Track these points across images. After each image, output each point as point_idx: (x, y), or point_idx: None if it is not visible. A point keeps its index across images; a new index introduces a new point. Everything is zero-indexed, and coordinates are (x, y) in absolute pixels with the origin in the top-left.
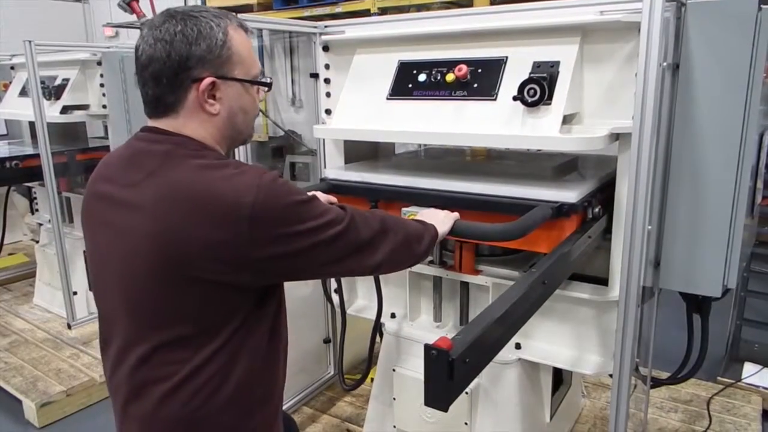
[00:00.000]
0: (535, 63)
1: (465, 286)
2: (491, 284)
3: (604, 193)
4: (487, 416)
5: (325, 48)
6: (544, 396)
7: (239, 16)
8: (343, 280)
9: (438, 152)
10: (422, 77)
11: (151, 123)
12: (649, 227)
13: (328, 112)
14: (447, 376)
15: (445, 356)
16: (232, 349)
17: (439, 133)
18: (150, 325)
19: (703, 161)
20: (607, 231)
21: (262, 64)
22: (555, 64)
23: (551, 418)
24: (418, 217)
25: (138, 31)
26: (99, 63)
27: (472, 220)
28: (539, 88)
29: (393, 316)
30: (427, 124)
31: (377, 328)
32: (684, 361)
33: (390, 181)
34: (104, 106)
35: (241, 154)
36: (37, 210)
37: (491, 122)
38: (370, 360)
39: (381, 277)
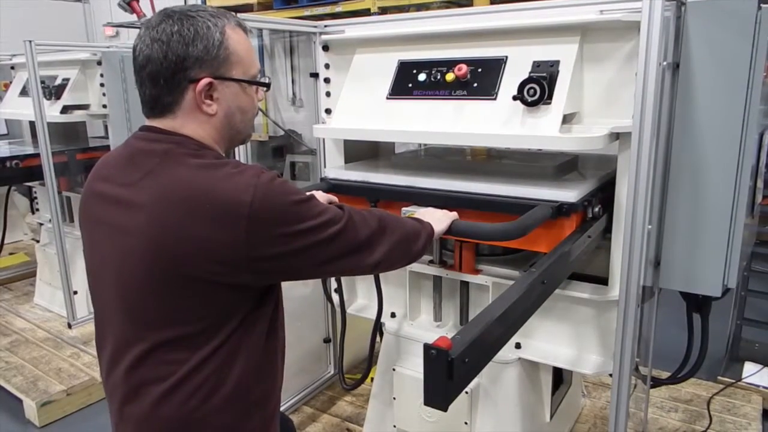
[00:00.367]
0: (534, 62)
1: (465, 285)
2: (491, 284)
3: (604, 193)
4: (487, 416)
5: (325, 47)
6: (544, 395)
7: (239, 15)
8: (343, 279)
9: (438, 152)
10: (422, 77)
11: (149, 123)
12: (649, 227)
13: (328, 111)
14: (446, 375)
15: (444, 356)
16: (230, 350)
17: (439, 133)
18: (146, 325)
19: (703, 160)
20: (607, 230)
21: (262, 64)
22: (555, 64)
23: (551, 418)
24: (415, 216)
25: (138, 30)
26: (99, 63)
27: (472, 219)
28: (539, 87)
29: (393, 315)
30: (427, 124)
31: (377, 327)
32: (684, 361)
33: (390, 181)
34: (104, 106)
35: (242, 153)
36: (37, 209)
37: (491, 122)
38: (371, 359)
39: (381, 276)
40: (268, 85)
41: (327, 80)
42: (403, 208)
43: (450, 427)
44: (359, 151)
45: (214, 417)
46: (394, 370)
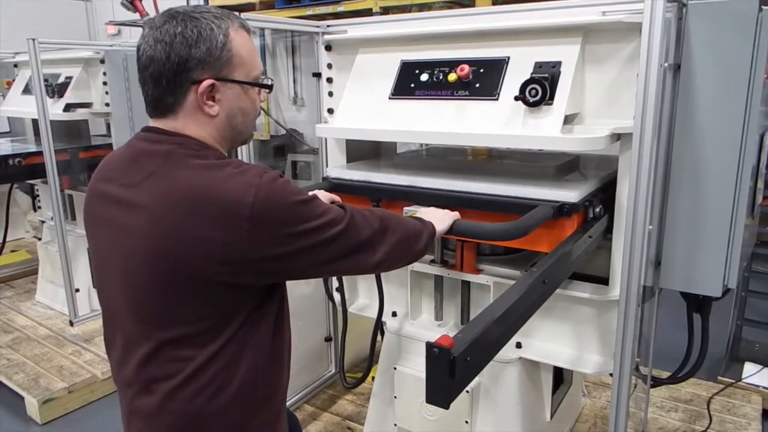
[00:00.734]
0: (536, 63)
1: (466, 285)
2: (492, 283)
3: (606, 193)
4: (488, 415)
5: (328, 47)
6: (544, 395)
7: (242, 15)
8: (344, 278)
9: (440, 152)
10: (424, 77)
11: (152, 122)
12: (650, 227)
13: (330, 111)
14: (448, 373)
15: (446, 354)
16: (236, 347)
17: (441, 133)
18: (153, 324)
19: (704, 161)
20: (608, 231)
21: (264, 63)
22: (557, 65)
23: (552, 417)
24: (417, 215)
25: (140, 29)
26: (102, 61)
27: (473, 219)
28: (541, 88)
29: (394, 314)
30: (429, 124)
31: (378, 326)
32: (684, 361)
33: (392, 181)
34: (107, 104)
35: (244, 152)
36: (39, 207)
37: (493, 122)
38: (371, 358)
39: (382, 275)
40: (270, 87)
41: (329, 80)
42: (405, 208)
43: (451, 425)
44: (361, 151)
45: (222, 413)
46: (395, 369)
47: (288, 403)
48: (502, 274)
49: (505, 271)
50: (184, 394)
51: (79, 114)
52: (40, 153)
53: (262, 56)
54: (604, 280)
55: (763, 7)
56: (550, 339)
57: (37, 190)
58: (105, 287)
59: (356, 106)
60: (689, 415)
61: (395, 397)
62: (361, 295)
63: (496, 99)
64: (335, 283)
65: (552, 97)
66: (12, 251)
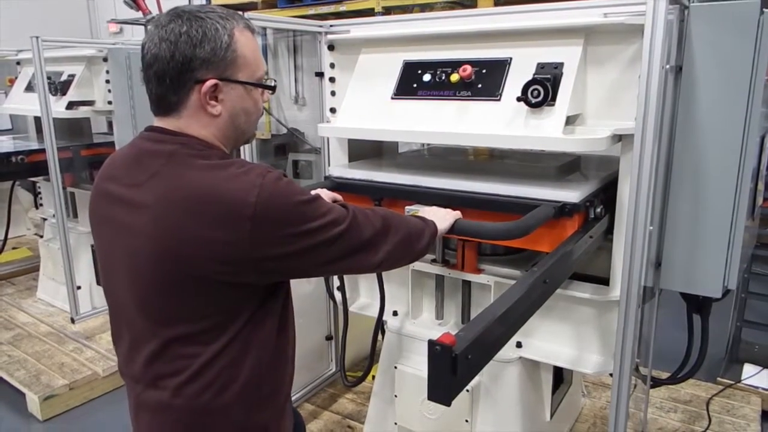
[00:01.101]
0: (539, 64)
1: (467, 284)
2: (493, 283)
3: (607, 193)
4: (488, 414)
5: (331, 47)
6: (544, 395)
7: (245, 14)
8: (345, 277)
9: (441, 151)
10: (427, 77)
11: (156, 121)
12: (651, 228)
13: (332, 110)
14: (450, 371)
15: (448, 352)
16: (241, 345)
17: (443, 133)
18: (159, 322)
19: (705, 163)
20: (609, 231)
21: (266, 62)
22: (559, 66)
23: (551, 417)
24: (419, 214)
25: (142, 27)
26: (105, 59)
27: (474, 219)
28: (543, 89)
29: (395, 313)
30: (432, 124)
31: (379, 325)
32: (684, 362)
33: (394, 180)
34: (110, 102)
35: (246, 151)
36: (41, 205)
37: (495, 122)
38: (372, 357)
39: (383, 274)
40: (273, 89)
41: (332, 79)
42: (407, 207)
43: (451, 425)
44: (363, 150)
45: (228, 409)
46: (395, 368)
47: None
48: (503, 274)
49: (506, 271)
50: (191, 390)
51: (81, 112)
52: (42, 150)
53: (264, 55)
54: (604, 281)
55: (764, 9)
56: (550, 339)
57: (39, 187)
58: (111, 285)
59: (359, 105)
60: (688, 416)
61: (396, 396)
62: (362, 294)
63: (499, 99)
64: (336, 282)
65: (554, 98)
66: (13, 248)
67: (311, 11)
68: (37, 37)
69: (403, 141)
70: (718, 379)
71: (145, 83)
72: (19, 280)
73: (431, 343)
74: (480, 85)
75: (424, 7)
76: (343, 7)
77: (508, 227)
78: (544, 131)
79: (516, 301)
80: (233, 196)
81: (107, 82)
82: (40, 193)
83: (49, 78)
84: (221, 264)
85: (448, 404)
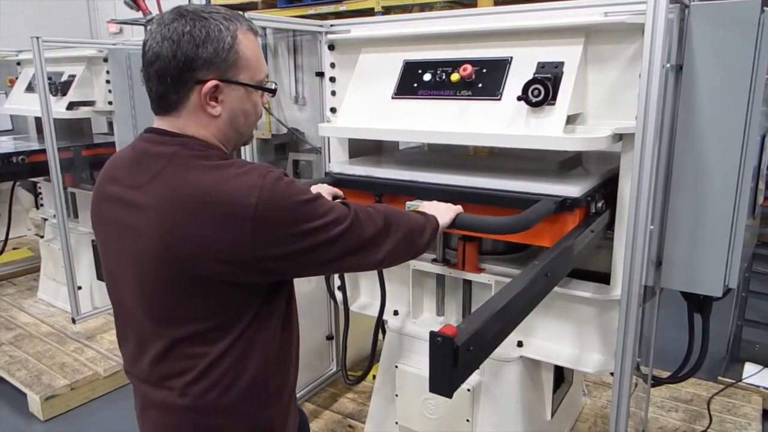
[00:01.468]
0: (539, 63)
1: (468, 283)
2: (494, 282)
3: (607, 188)
4: (489, 413)
5: (331, 47)
6: (545, 394)
7: (246, 14)
8: (346, 277)
9: (441, 147)
10: (427, 77)
11: (156, 120)
12: (651, 227)
13: (333, 110)
14: (451, 362)
15: (450, 343)
16: (246, 343)
17: (443, 133)
18: (164, 322)
19: (706, 162)
20: (610, 226)
21: (266, 63)
22: (559, 65)
23: (552, 416)
24: (420, 209)
25: (142, 27)
26: (105, 60)
27: (475, 214)
28: (543, 88)
29: (396, 313)
30: (432, 124)
31: (380, 325)
32: (685, 361)
33: (394, 176)
34: (110, 103)
35: (246, 151)
36: (41, 205)
37: (495, 122)
38: (373, 356)
39: (384, 274)
40: (273, 92)
41: (332, 79)
42: (408, 202)
43: (452, 424)
44: (363, 150)
45: (234, 407)
46: (396, 367)
47: None
48: (503, 273)
49: (507, 270)
50: (197, 389)
51: (82, 112)
52: (43, 151)
53: (264, 55)
54: (605, 277)
55: (765, 8)
56: (551, 338)
57: (40, 187)
58: (116, 287)
59: (359, 105)
60: (689, 415)
61: (396, 395)
62: (363, 293)
63: (499, 99)
64: (337, 281)
65: (554, 98)
66: (14, 248)
67: (311, 11)
68: (37, 38)
69: (404, 141)
70: (719, 378)
71: (145, 81)
72: (19, 280)
73: (433, 335)
74: (480, 85)
75: (423, 7)
76: (343, 7)
77: (510, 221)
78: (544, 130)
79: (517, 294)
80: (234, 197)
81: (108, 82)
82: (40, 193)
83: (49, 78)
84: (222, 264)
85: (450, 396)
